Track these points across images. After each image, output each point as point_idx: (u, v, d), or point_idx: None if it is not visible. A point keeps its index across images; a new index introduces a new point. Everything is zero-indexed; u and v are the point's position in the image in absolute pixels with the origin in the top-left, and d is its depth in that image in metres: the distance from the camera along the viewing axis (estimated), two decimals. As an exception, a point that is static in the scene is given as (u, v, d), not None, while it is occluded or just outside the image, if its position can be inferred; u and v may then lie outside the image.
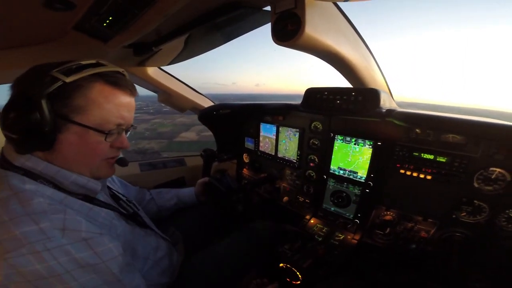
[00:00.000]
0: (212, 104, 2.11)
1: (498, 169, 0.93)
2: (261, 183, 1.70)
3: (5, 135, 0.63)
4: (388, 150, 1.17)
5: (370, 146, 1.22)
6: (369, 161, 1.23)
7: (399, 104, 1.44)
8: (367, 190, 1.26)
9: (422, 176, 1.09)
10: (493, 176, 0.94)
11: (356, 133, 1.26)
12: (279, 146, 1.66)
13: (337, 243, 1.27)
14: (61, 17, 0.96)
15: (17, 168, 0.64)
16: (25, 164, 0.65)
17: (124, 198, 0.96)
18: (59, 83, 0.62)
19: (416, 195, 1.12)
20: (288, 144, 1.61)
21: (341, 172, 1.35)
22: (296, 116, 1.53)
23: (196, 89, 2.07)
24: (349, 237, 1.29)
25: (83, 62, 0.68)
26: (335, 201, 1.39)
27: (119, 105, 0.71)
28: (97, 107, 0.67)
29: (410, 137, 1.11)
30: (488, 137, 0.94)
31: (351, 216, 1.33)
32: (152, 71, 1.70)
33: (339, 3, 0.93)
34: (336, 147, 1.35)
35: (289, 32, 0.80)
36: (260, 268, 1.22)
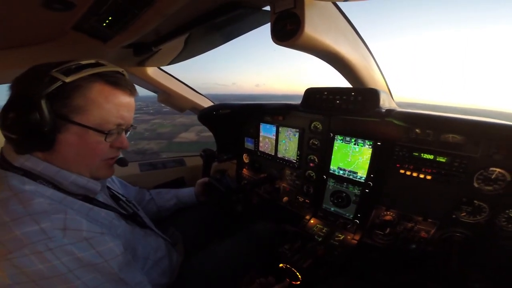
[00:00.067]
0: (211, 104, 2.11)
1: (498, 169, 0.93)
2: (261, 183, 1.70)
3: (5, 136, 0.63)
4: (388, 150, 1.17)
5: (370, 146, 1.21)
6: (369, 161, 1.23)
7: (399, 104, 1.44)
8: (367, 190, 1.26)
9: (422, 176, 1.09)
10: (493, 176, 0.94)
11: (356, 133, 1.26)
12: (279, 146, 1.66)
13: (337, 243, 1.27)
14: (61, 17, 0.96)
15: (17, 169, 0.64)
16: (24, 165, 0.64)
17: (123, 199, 0.96)
18: (59, 83, 0.62)
19: (416, 195, 1.12)
20: (288, 144, 1.61)
21: (341, 172, 1.35)
22: (296, 116, 1.53)
23: (196, 89, 2.07)
24: (349, 237, 1.29)
25: (83, 62, 0.67)
26: (335, 201, 1.39)
27: (119, 105, 0.71)
28: (96, 107, 0.67)
29: (410, 137, 1.11)
30: (488, 137, 0.94)
31: (351, 216, 1.33)
32: (151, 71, 1.70)
33: (339, 3, 0.93)
34: (336, 147, 1.35)
35: (288, 32, 0.80)
36: (260, 268, 1.22)
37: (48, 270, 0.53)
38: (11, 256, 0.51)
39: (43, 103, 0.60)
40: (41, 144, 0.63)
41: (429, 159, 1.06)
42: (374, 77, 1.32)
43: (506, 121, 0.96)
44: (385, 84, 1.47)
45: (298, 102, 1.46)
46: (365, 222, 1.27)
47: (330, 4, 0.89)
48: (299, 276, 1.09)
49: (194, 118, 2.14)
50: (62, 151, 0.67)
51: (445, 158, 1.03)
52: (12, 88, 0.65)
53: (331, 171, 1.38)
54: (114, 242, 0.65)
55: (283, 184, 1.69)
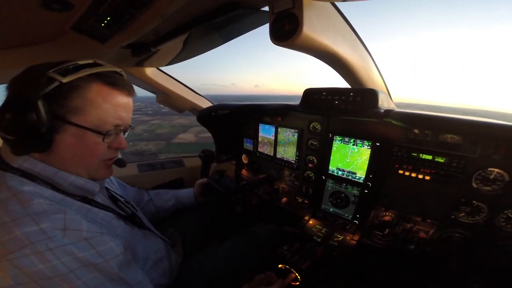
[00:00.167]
0: (210, 105, 2.11)
1: (496, 169, 0.93)
2: (259, 184, 1.69)
3: (1, 136, 0.63)
4: (386, 151, 1.17)
5: (369, 147, 1.22)
6: (367, 162, 1.23)
7: (398, 104, 1.44)
8: (365, 191, 1.26)
9: (420, 176, 1.09)
10: (491, 177, 0.94)
11: (355, 133, 1.26)
12: (277, 147, 1.66)
13: (336, 244, 1.26)
14: (59, 18, 0.96)
15: (15, 170, 0.64)
16: (22, 166, 0.64)
17: (122, 199, 0.96)
18: (56, 84, 0.62)
19: (415, 196, 1.12)
20: (286, 145, 1.61)
21: (340, 172, 1.35)
22: (295, 117, 1.53)
23: (195, 90, 2.07)
24: (348, 238, 1.29)
25: (80, 62, 0.67)
26: (334, 202, 1.39)
27: (117, 106, 0.71)
28: (94, 107, 0.66)
29: (409, 138, 1.11)
30: (486, 137, 0.94)
31: (350, 217, 1.33)
32: (150, 71, 1.69)
33: (337, 3, 0.93)
34: (334, 148, 1.35)
35: (287, 32, 0.80)
36: (259, 269, 1.22)
37: (49, 270, 0.53)
38: (12, 257, 0.51)
39: (40, 104, 0.59)
40: (38, 145, 0.63)
41: (428, 159, 1.06)
42: (372, 78, 1.32)
43: (505, 121, 0.96)
44: (383, 85, 1.47)
45: (297, 102, 1.46)
46: (364, 222, 1.27)
47: (328, 4, 0.89)
48: (298, 277, 1.09)
49: (193, 119, 2.14)
50: (60, 152, 0.66)
51: (444, 159, 1.03)
52: (9, 88, 0.65)
53: (330, 172, 1.38)
54: (114, 242, 0.65)
55: (282, 185, 1.69)
